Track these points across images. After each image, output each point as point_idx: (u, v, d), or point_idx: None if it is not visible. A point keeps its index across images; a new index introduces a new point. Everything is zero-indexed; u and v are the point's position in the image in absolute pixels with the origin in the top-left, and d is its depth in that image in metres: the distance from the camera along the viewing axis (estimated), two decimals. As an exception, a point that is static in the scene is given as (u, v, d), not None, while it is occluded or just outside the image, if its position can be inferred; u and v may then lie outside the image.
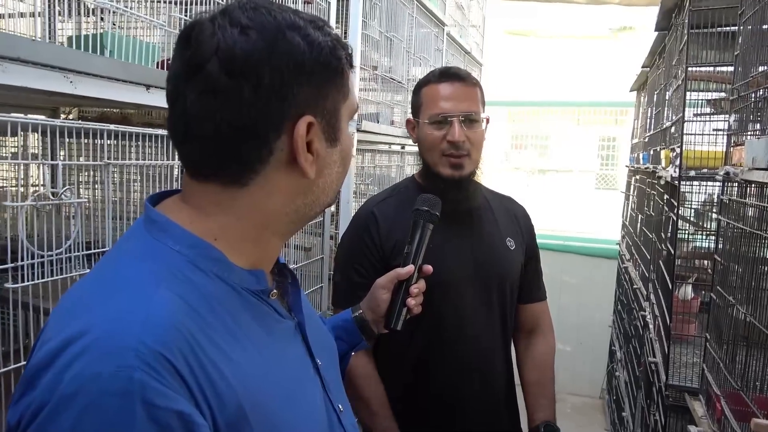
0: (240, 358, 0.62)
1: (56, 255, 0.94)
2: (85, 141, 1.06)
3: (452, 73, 1.43)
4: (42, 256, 0.92)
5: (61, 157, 1.56)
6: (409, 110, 1.56)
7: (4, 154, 1.94)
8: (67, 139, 0.96)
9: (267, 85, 0.62)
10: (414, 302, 1.04)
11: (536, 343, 1.58)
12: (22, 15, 1.73)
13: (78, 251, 1.01)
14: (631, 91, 4.16)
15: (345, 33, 2.08)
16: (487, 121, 1.47)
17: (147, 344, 0.53)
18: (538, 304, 1.59)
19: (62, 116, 1.94)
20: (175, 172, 1.36)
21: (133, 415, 0.50)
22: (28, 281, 0.91)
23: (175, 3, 1.32)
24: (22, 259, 0.89)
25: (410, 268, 1.05)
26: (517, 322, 1.56)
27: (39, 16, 1.76)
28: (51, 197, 0.92)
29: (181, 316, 0.58)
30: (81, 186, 1.80)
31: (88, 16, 1.49)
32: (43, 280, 0.94)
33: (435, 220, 1.11)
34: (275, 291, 0.72)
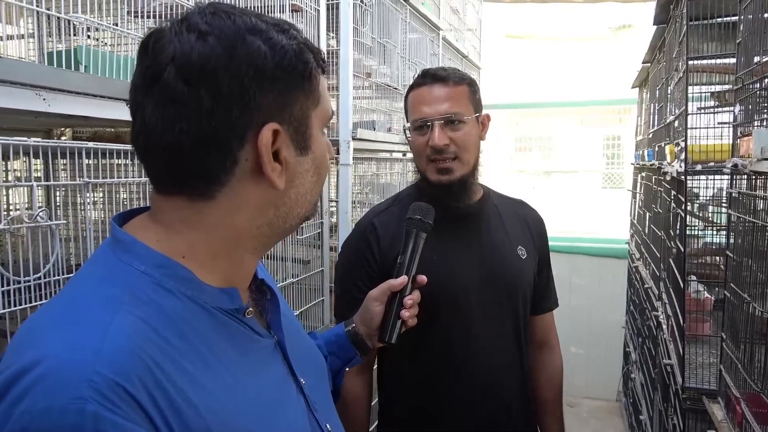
0: (211, 384, 0.58)
1: (34, 280, 0.90)
2: (86, 161, 1.03)
3: (431, 74, 1.35)
4: (18, 282, 0.88)
5: (40, 179, 1.52)
6: None
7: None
8: (59, 160, 0.92)
9: (227, 93, 0.58)
10: (408, 314, 0.99)
11: (547, 359, 1.53)
12: (10, 37, 1.71)
13: (59, 275, 0.97)
14: (632, 88, 4.11)
15: (336, 40, 2.05)
16: (488, 118, 1.39)
17: (102, 374, 0.50)
18: (548, 315, 1.52)
19: (55, 138, 1.92)
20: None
21: None
22: (4, 309, 0.88)
23: (154, 17, 1.29)
24: (-2, 286, 0.85)
25: (403, 279, 1.00)
26: (527, 334, 1.47)
27: (31, 37, 1.75)
28: (26, 220, 0.88)
29: (142, 341, 0.54)
30: (71, 208, 1.77)
31: (76, 35, 1.47)
32: (21, 307, 0.90)
33: (428, 228, 1.06)
34: (251, 309, 0.68)
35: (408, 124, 1.37)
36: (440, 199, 1.31)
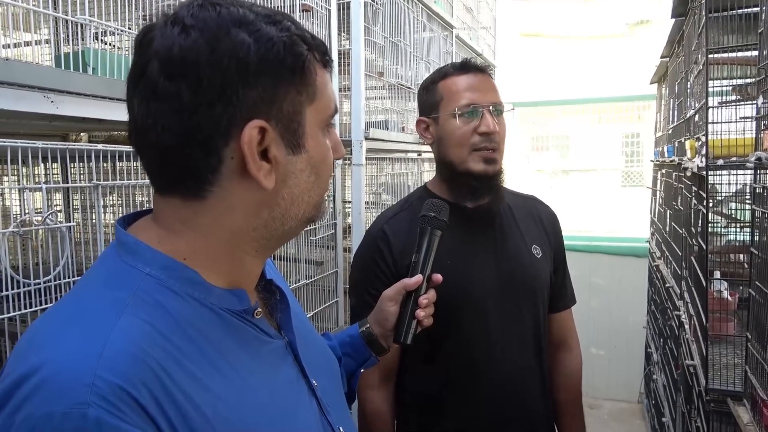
0: (219, 388, 0.57)
1: (44, 283, 0.90)
2: (99, 164, 1.03)
3: (473, 64, 1.33)
4: (29, 285, 0.88)
5: (58, 182, 1.53)
6: None
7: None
8: (77, 164, 0.92)
9: (208, 87, 0.56)
10: (423, 314, 0.95)
11: (566, 359, 1.49)
12: (27, 44, 1.73)
13: (70, 278, 0.97)
14: (651, 83, 4.04)
15: (347, 39, 2.04)
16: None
17: (104, 378, 0.49)
18: (565, 313, 1.47)
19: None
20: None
21: None
22: (15, 311, 0.87)
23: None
24: (7, 289, 0.85)
25: (418, 278, 0.97)
26: (546, 336, 1.43)
27: (47, 43, 1.77)
28: (35, 222, 0.88)
29: (147, 344, 0.53)
30: (89, 211, 1.79)
31: (97, 41, 1.48)
32: (32, 309, 0.90)
33: (442, 226, 1.03)
34: (260, 310, 0.67)
35: (437, 114, 1.31)
36: (472, 190, 1.29)
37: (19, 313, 0.89)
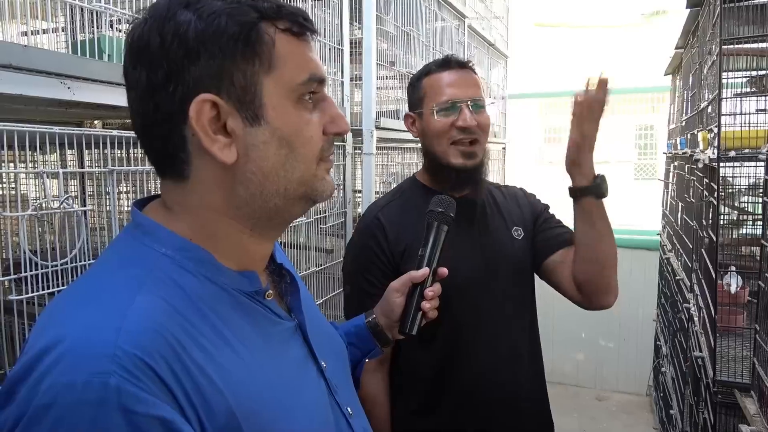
0: (230, 363, 0.59)
1: (61, 265, 0.93)
2: (113, 152, 1.05)
3: (455, 60, 1.39)
4: (46, 267, 0.91)
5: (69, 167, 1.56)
6: None
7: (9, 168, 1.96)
8: (93, 150, 0.95)
9: (158, 69, 0.58)
10: (429, 305, 0.98)
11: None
12: (45, 32, 1.76)
13: (86, 260, 0.99)
14: (665, 74, 4.00)
15: (359, 29, 2.05)
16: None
17: (124, 349, 0.51)
18: (566, 249, 1.38)
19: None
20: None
21: (111, 423, 0.49)
22: (33, 292, 0.90)
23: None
24: (25, 271, 0.88)
25: (425, 270, 0.99)
26: (562, 272, 1.36)
27: (62, 31, 1.79)
28: (52, 207, 0.90)
29: (164, 319, 0.55)
30: (104, 198, 1.82)
31: (111, 28, 1.49)
32: (49, 291, 0.93)
33: (449, 221, 1.06)
34: (270, 291, 0.68)
35: (421, 110, 1.37)
36: (452, 183, 1.34)
37: (37, 294, 0.92)
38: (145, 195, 1.52)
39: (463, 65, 1.38)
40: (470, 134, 1.32)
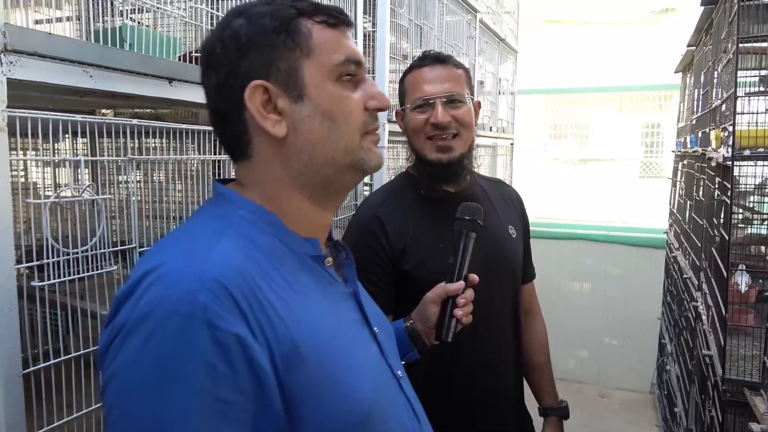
0: (296, 305, 0.66)
1: (81, 253, 0.93)
2: (128, 141, 1.07)
3: (432, 56, 1.40)
4: (67, 254, 0.91)
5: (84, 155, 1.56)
6: None
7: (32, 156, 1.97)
8: (105, 139, 0.96)
9: (221, 69, 0.70)
10: (461, 312, 1.03)
11: (535, 325, 1.61)
12: (59, 20, 1.76)
13: (105, 248, 1.00)
14: (676, 72, 3.98)
15: (372, 23, 2.04)
16: (479, 105, 1.44)
17: (210, 275, 0.59)
18: (531, 284, 1.61)
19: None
20: (210, 167, 1.35)
21: (196, 333, 0.56)
22: (54, 279, 0.91)
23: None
24: (48, 257, 0.88)
25: (460, 284, 1.03)
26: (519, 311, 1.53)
27: (78, 19, 1.79)
28: (70, 195, 0.91)
29: (242, 260, 0.64)
30: (116, 187, 1.82)
31: (122, 17, 1.49)
32: (70, 278, 0.93)
33: (477, 228, 1.08)
34: (330, 259, 0.76)
35: (408, 106, 1.38)
36: (430, 178, 1.36)
37: (58, 281, 0.92)
38: (155, 184, 1.53)
39: (441, 60, 1.38)
40: (444, 130, 1.33)
